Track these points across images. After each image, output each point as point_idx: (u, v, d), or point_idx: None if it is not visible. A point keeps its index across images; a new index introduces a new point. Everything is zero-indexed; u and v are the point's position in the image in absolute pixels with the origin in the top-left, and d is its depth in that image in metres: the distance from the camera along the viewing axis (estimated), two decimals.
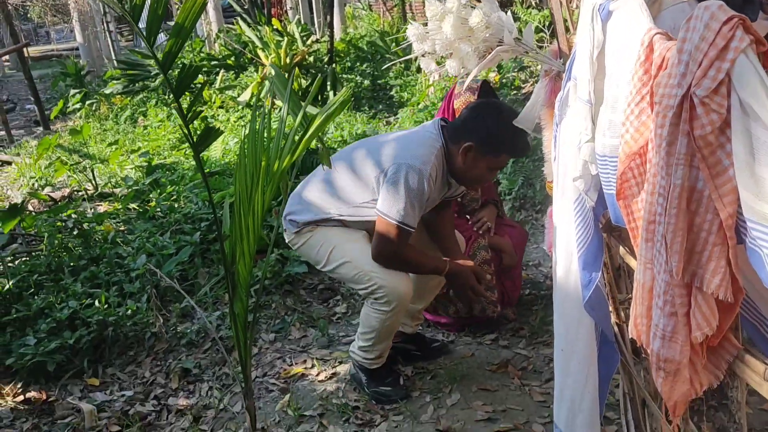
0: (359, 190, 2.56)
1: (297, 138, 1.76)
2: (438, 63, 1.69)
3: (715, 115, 0.88)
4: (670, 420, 1.12)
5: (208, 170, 4.89)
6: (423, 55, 1.61)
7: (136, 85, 8.63)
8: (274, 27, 8.41)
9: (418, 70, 8.39)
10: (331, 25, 8.80)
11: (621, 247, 1.33)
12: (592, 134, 1.22)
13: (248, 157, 1.77)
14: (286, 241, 2.74)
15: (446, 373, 2.78)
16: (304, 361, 3.04)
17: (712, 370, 1.02)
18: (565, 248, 1.35)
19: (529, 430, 2.37)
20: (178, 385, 2.94)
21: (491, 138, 2.44)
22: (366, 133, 5.88)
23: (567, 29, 1.59)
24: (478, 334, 3.10)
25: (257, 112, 1.82)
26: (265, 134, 1.76)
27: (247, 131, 1.84)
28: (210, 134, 1.54)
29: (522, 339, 3.02)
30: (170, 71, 1.73)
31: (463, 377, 2.73)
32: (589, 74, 1.20)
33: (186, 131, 1.53)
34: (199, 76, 8.28)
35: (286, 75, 7.55)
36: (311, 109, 1.97)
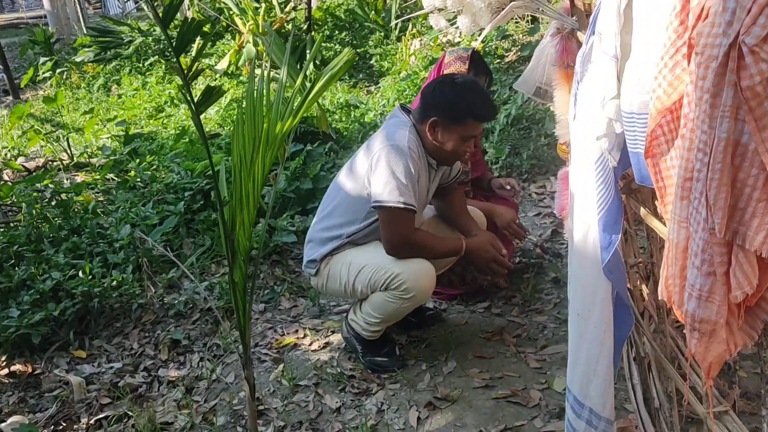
0: (357, 204, 2.54)
1: (299, 99, 1.70)
2: (448, 20, 1.63)
3: (765, 64, 0.84)
4: (701, 381, 1.10)
5: (191, 138, 4.78)
6: (433, 12, 1.55)
7: (109, 53, 8.38)
8: None
9: (398, 39, 8.28)
10: None
11: (642, 209, 1.30)
12: (618, 91, 1.18)
13: (247, 121, 1.70)
14: (314, 287, 2.72)
15: (441, 341, 2.77)
16: (296, 331, 3.00)
17: (747, 330, 1.00)
18: (584, 210, 1.32)
19: (527, 396, 2.37)
20: (168, 357, 2.89)
21: (452, 107, 2.44)
22: (348, 101, 5.79)
23: None
24: (470, 303, 3.09)
25: (255, 75, 1.75)
26: (264, 97, 1.69)
27: (244, 94, 1.77)
28: (211, 94, 1.47)
29: (515, 307, 3.02)
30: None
31: (458, 345, 2.72)
32: (616, 28, 1.16)
33: (186, 92, 1.46)
34: None
35: (266, 42, 7.39)
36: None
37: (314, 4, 9.15)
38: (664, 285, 1.07)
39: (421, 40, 7.45)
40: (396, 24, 8.36)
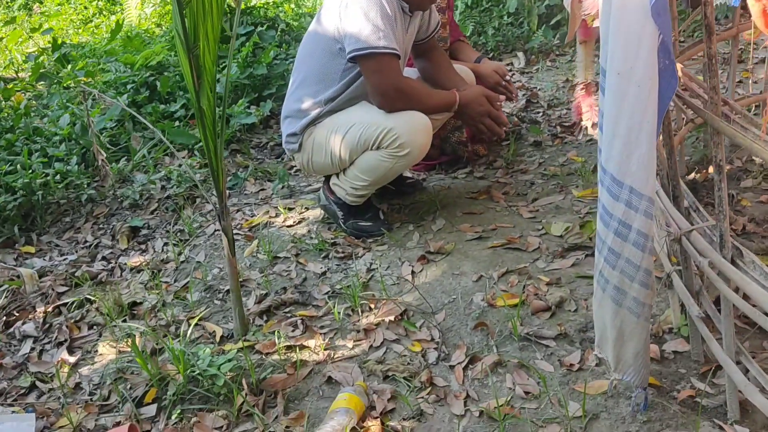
0: (330, 63, 2.29)
1: None
2: None
3: None
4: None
5: (127, 33, 4.38)
6: None
7: None
8: None
9: None
10: None
11: None
12: None
13: None
14: (300, 168, 2.53)
15: (425, 204, 2.59)
16: (267, 212, 2.77)
17: None
18: None
19: (525, 242, 2.22)
20: (128, 245, 2.63)
21: None
22: None
23: None
24: (450, 171, 2.91)
25: None
26: None
27: None
28: None
29: (498, 170, 2.85)
30: None
31: (444, 206, 2.54)
32: None
33: None
34: None
35: None
36: None
37: None
38: None
39: None
40: None
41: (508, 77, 2.80)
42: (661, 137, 1.47)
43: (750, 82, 3.15)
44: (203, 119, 1.65)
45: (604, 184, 1.29)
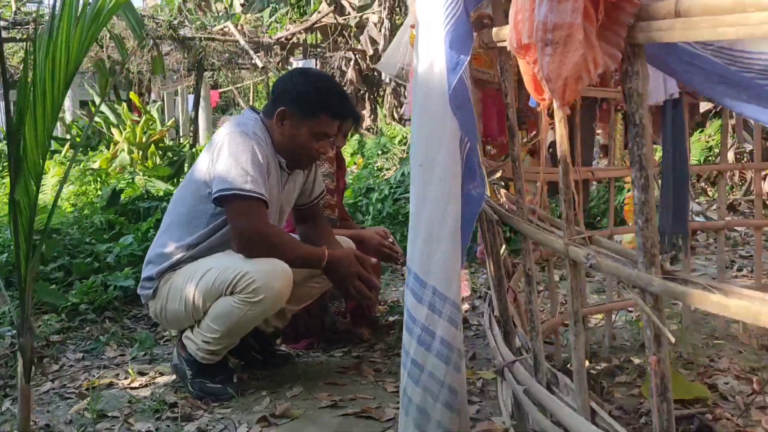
0: (198, 208, 2.25)
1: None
2: None
3: None
4: None
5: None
6: None
7: None
8: (134, 103, 8.09)
9: None
10: (196, 119, 8.64)
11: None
12: None
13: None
14: (151, 314, 2.35)
15: (289, 372, 2.37)
16: (117, 375, 2.49)
17: (607, 49, 0.82)
18: (430, 33, 1.14)
19: (381, 412, 2.00)
20: None
21: (302, 98, 2.24)
22: None
23: None
24: (328, 350, 2.73)
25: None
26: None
27: None
28: None
29: (377, 352, 2.68)
30: None
31: (309, 377, 2.33)
32: None
33: None
34: None
35: (140, 152, 7.18)
36: None
37: (201, 140, 9.11)
38: (513, 25, 0.88)
39: None
40: None
41: (391, 239, 2.77)
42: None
43: None
44: (16, 215, 1.52)
45: (408, 285, 1.18)
